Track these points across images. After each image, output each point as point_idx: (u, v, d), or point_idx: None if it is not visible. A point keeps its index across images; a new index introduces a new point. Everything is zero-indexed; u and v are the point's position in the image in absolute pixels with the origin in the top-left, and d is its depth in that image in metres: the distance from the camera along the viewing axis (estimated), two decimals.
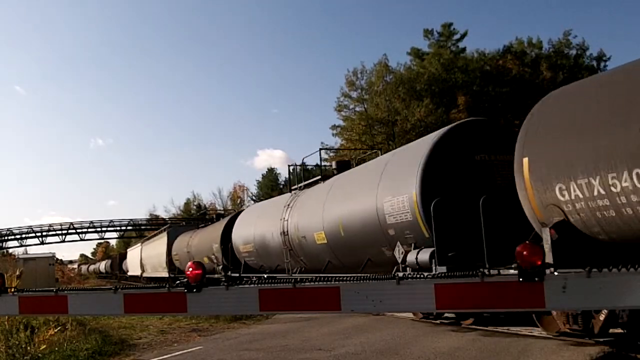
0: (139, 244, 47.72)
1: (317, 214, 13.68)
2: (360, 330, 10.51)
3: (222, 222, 23.17)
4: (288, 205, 16.01)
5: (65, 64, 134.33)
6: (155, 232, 44.46)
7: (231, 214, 25.39)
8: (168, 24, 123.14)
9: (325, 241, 13.20)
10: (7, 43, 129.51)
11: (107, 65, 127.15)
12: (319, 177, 15.91)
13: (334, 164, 16.51)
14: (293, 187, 17.52)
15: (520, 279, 3.25)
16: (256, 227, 18.23)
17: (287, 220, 15.49)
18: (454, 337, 9.07)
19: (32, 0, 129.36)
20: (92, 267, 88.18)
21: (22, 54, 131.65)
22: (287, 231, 15.37)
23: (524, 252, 3.26)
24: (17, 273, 13.76)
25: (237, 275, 18.69)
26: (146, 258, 40.42)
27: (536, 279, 3.21)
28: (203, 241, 24.72)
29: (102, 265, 76.61)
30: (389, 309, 3.76)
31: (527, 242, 3.33)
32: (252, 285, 3.92)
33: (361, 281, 3.70)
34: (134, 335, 12.00)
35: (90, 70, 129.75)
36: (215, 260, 22.43)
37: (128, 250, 59.12)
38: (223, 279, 4.02)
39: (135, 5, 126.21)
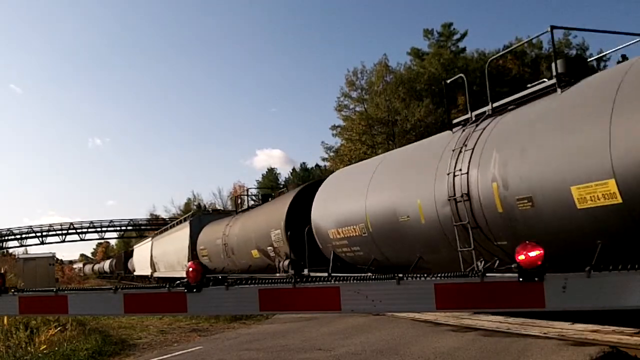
0: (149, 239, 41.34)
1: (585, 145, 6.95)
2: (360, 330, 10.51)
3: (287, 199, 16.18)
4: (464, 144, 9.20)
5: (62, 63, 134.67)
6: (170, 223, 37.88)
7: (300, 185, 18.20)
8: (166, 22, 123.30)
9: (618, 200, 6.51)
10: (3, 41, 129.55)
11: (104, 64, 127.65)
12: (549, 81, 8.56)
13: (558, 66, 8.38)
14: (455, 121, 11.24)
15: (520, 279, 3.25)
16: (371, 196, 11.57)
17: (467, 172, 8.82)
18: (454, 337, 9.07)
19: None
20: (96, 266, 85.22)
21: (17, 52, 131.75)
22: (470, 193, 8.73)
23: (524, 252, 3.26)
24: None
25: (325, 275, 12.45)
26: (159, 255, 34.15)
27: (536, 279, 3.21)
28: (252, 228, 18.31)
29: (106, 265, 73.11)
30: (389, 309, 3.76)
31: (527, 242, 3.32)
32: (252, 285, 3.92)
33: (361, 281, 3.70)
34: (134, 335, 12.00)
35: (87, 69, 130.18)
36: (273, 253, 16.40)
37: (135, 247, 53.39)
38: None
39: (134, 4, 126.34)
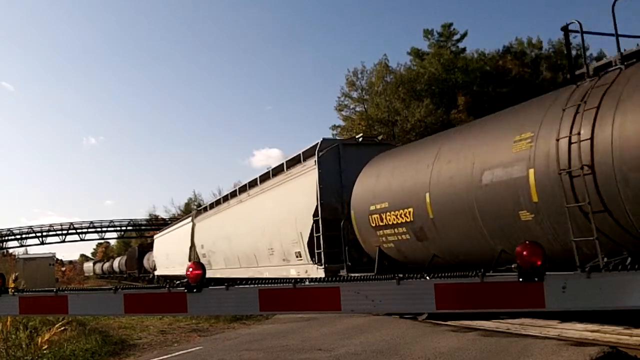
0: (187, 220, 27.51)
1: None
2: (360, 330, 10.51)
3: None
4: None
5: (54, 59, 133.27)
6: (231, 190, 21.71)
7: None
8: (162, 20, 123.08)
9: None
10: None
11: (97, 62, 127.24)
12: None
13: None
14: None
15: (520, 279, 3.25)
16: None
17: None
18: (454, 337, 9.07)
19: None
20: (105, 265, 76.09)
21: (9, 48, 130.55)
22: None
23: (524, 252, 3.26)
24: None
25: None
26: (213, 243, 21.21)
27: (536, 279, 3.21)
28: None
29: (115, 263, 64.37)
30: (389, 309, 3.76)
31: (527, 242, 3.33)
32: (252, 286, 3.93)
33: (361, 281, 3.70)
34: (134, 335, 12.00)
35: (80, 66, 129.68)
36: None
37: (156, 237, 39.16)
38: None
39: (129, 1, 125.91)
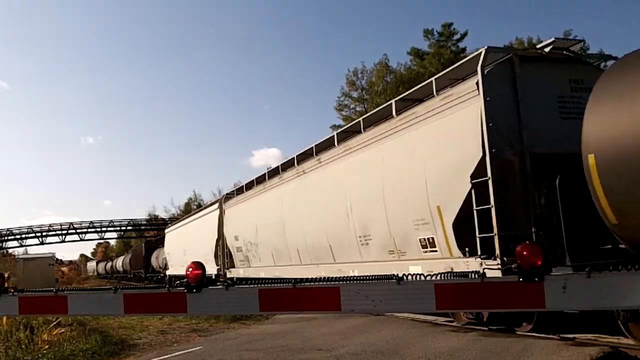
0: (214, 206, 21.67)
1: None
2: (360, 330, 10.51)
3: None
4: None
5: (53, 59, 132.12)
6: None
7: None
8: (163, 20, 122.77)
9: None
10: None
11: (94, 61, 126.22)
12: None
13: None
14: None
15: (520, 279, 3.25)
16: None
17: None
18: (454, 337, 9.07)
19: None
20: (109, 264, 71.24)
21: (5, 46, 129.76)
22: None
23: (524, 252, 3.26)
24: None
25: None
26: (258, 231, 15.83)
27: (536, 279, 3.21)
28: None
29: (119, 262, 59.44)
30: (389, 309, 3.76)
31: (526, 242, 3.33)
32: (252, 286, 3.93)
33: (361, 281, 3.70)
34: (134, 335, 12.00)
35: (79, 66, 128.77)
36: None
37: (167, 231, 32.85)
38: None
39: (127, 1, 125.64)
